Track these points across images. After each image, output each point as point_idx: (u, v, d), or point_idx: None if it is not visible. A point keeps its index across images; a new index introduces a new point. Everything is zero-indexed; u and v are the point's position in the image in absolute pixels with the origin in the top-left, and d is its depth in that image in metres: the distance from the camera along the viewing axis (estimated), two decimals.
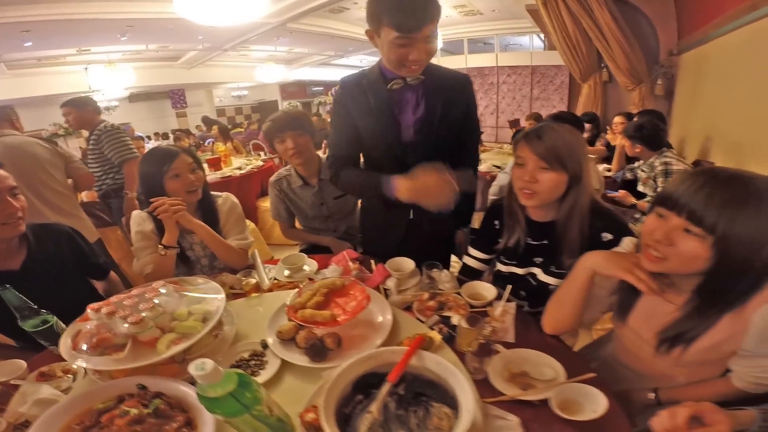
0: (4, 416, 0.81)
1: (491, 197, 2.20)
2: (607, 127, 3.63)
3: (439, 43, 6.63)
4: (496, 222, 1.22)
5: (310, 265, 1.32)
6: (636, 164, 2.46)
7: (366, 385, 0.72)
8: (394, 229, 1.40)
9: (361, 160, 1.39)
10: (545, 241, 1.12)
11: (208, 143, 5.81)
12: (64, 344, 0.86)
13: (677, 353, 0.81)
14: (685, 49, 3.84)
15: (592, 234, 1.03)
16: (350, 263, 1.24)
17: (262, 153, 4.92)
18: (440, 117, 1.25)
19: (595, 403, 0.74)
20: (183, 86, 11.00)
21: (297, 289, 1.03)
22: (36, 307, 0.99)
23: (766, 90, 2.28)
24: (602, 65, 4.74)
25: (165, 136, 9.72)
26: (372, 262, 1.28)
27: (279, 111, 1.67)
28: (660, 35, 4.23)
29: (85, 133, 2.88)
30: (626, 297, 0.90)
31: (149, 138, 9.05)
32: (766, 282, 0.71)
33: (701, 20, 3.36)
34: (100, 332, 0.84)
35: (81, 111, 2.58)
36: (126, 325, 0.82)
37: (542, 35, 7.98)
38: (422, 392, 0.71)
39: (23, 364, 0.98)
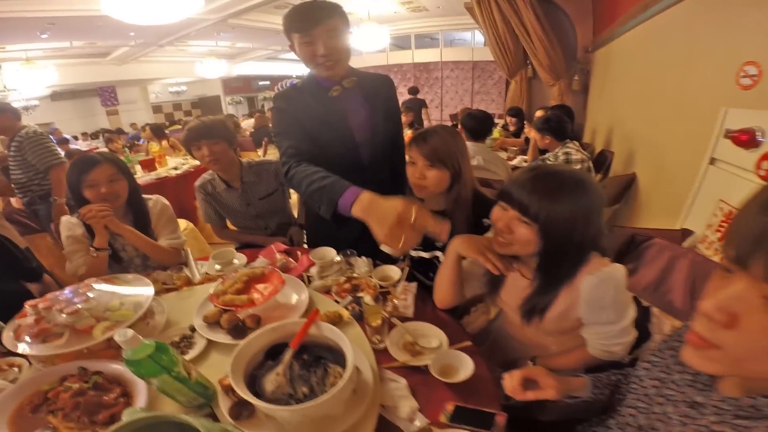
0: None
1: None
2: (525, 122, 3.98)
3: (387, 39, 6.81)
4: None
5: (239, 258, 1.43)
6: (546, 155, 2.78)
7: (275, 353, 0.84)
8: (343, 241, 1.43)
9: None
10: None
11: (143, 142, 5.57)
12: (7, 337, 0.95)
13: (536, 323, 0.97)
14: (598, 46, 4.24)
15: (476, 221, 1.20)
16: (277, 255, 1.36)
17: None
18: (381, 114, 1.42)
19: (466, 368, 0.88)
20: (114, 83, 10.32)
21: (220, 279, 1.15)
22: None
23: (650, 83, 2.65)
24: (528, 62, 5.13)
25: (95, 136, 9.10)
26: (299, 253, 1.41)
27: (195, 119, 1.72)
28: (578, 33, 4.63)
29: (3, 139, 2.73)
30: (494, 275, 1.05)
31: (76, 138, 8.42)
32: (587, 256, 0.89)
33: (610, 18, 3.72)
34: (40, 324, 0.94)
35: (1, 116, 2.45)
36: (63, 316, 0.92)
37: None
38: (321, 356, 0.85)
39: None
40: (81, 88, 9.76)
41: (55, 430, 0.79)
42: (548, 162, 2.68)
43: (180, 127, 8.12)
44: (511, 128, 4.16)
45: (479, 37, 8.56)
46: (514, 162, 3.31)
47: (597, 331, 0.93)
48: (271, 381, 0.78)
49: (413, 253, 1.40)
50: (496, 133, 3.87)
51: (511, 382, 0.76)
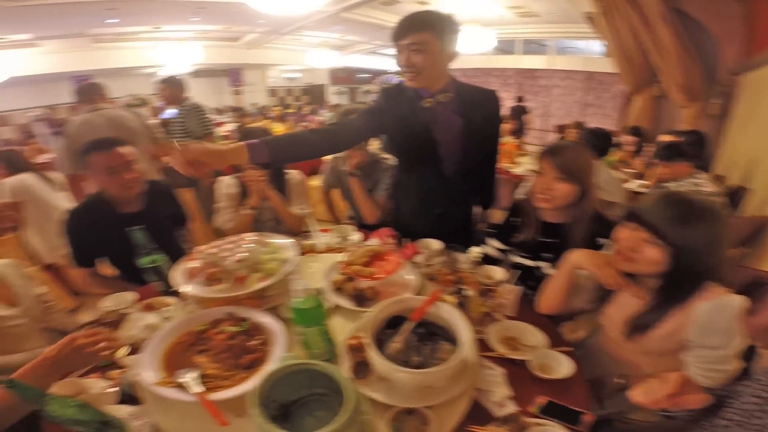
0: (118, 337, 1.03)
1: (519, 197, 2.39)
2: (643, 144, 3.62)
3: (492, 42, 6.69)
4: (516, 219, 1.43)
5: (355, 235, 1.61)
6: (668, 183, 2.54)
7: (395, 323, 0.96)
8: (426, 222, 1.59)
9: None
10: (557, 240, 1.32)
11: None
12: (178, 276, 1.11)
13: (640, 339, 1.00)
14: (749, 69, 3.72)
15: (592, 237, 1.22)
16: (387, 238, 1.50)
17: None
18: (476, 131, 1.45)
19: (564, 368, 0.94)
20: (241, 66, 11.62)
21: (349, 251, 1.31)
22: (152, 247, 1.28)
23: None
24: (656, 79, 4.66)
25: (219, 112, 10.29)
26: (403, 241, 1.54)
27: (345, 108, 1.90)
28: (721, 53, 4.10)
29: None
30: (606, 290, 1.09)
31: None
32: (706, 283, 0.91)
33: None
34: (208, 268, 1.09)
35: (173, 88, 3.03)
36: (229, 263, 1.07)
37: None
38: (435, 332, 0.95)
39: (130, 296, 1.25)
40: (215, 68, 11.18)
41: (201, 369, 0.87)
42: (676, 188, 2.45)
43: (294, 111, 8.90)
44: (629, 149, 3.83)
45: (595, 46, 7.94)
46: (632, 186, 3.07)
47: (700, 355, 0.92)
48: (391, 347, 0.89)
49: (516, 260, 1.43)
50: (615, 156, 3.61)
51: (665, 385, 0.79)
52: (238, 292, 1.05)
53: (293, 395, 0.79)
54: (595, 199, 1.26)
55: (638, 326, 1.00)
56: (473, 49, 6.36)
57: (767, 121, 3.19)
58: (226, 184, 1.67)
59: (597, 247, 1.20)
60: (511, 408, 0.85)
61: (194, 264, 1.14)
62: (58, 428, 0.76)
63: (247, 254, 1.11)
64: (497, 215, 1.62)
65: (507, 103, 8.97)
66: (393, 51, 1.37)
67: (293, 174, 1.78)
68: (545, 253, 1.35)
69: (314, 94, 14.02)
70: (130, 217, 1.51)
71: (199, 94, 11.61)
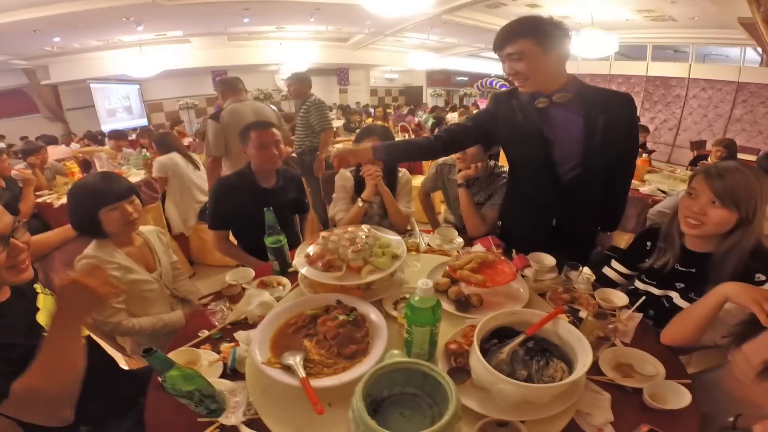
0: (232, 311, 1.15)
1: (650, 219, 2.12)
2: None
3: (614, 47, 6.04)
4: (648, 243, 1.29)
5: (459, 239, 1.59)
6: None
7: (500, 335, 0.93)
8: (538, 234, 1.52)
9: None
10: (693, 269, 1.17)
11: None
12: (300, 258, 1.16)
13: None
14: None
15: (746, 272, 1.06)
16: (494, 247, 1.46)
17: (406, 135, 5.35)
18: (598, 135, 1.33)
19: (680, 399, 0.87)
20: (348, 65, 12.31)
21: (456, 254, 1.32)
22: (278, 228, 1.39)
23: None
24: None
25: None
26: (513, 251, 1.47)
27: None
28: None
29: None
30: (751, 328, 0.94)
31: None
32: None
33: None
34: (326, 254, 1.12)
35: (301, 84, 3.30)
36: (349, 251, 1.10)
37: (759, 48, 6.52)
38: (547, 349, 0.90)
39: (252, 272, 1.34)
40: (326, 67, 12.01)
41: (306, 353, 0.89)
42: None
43: (392, 112, 9.16)
44: None
45: (748, 53, 6.66)
46: None
47: None
48: (497, 357, 0.86)
49: (640, 286, 1.30)
50: None
51: None
52: (352, 282, 1.08)
53: (386, 391, 0.78)
54: (758, 231, 1.07)
55: None
56: (592, 54, 5.82)
57: None
58: (344, 177, 1.79)
59: (755, 284, 1.04)
60: None
61: (314, 248, 1.17)
62: (162, 396, 0.82)
63: (363, 246, 1.14)
64: (623, 237, 1.47)
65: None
66: (493, 54, 1.39)
67: (403, 172, 1.84)
68: (678, 282, 1.20)
69: (410, 95, 14.23)
70: (266, 191, 1.75)
71: (313, 91, 12.77)
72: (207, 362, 0.98)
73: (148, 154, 3.74)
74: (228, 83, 2.96)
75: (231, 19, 7.61)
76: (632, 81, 8.29)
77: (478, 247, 1.47)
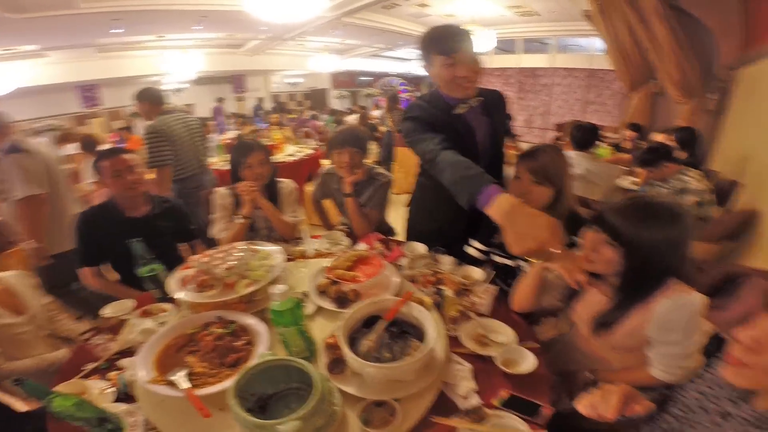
0: (116, 341, 1.15)
1: None
2: (640, 141, 3.65)
3: (492, 43, 6.73)
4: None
5: (345, 241, 1.68)
6: (658, 182, 2.57)
7: (370, 323, 1.03)
8: (456, 225, 1.56)
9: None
10: None
11: (265, 127, 6.32)
12: (173, 284, 1.20)
13: (605, 337, 1.05)
14: (746, 63, 3.70)
15: (568, 237, 1.24)
16: (375, 243, 1.57)
17: (310, 140, 5.35)
18: (498, 127, 1.55)
19: (528, 364, 0.99)
20: (244, 72, 11.78)
21: (335, 257, 1.38)
22: (150, 257, 1.37)
23: None
24: (653, 76, 4.65)
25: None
26: (392, 244, 1.60)
27: (346, 126, 1.96)
28: (720, 48, 4.08)
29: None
30: (573, 288, 1.14)
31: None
32: (666, 282, 0.95)
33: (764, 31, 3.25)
34: (200, 275, 1.19)
35: (152, 103, 2.70)
36: (220, 271, 1.16)
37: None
38: (406, 331, 1.02)
39: (131, 303, 1.34)
40: (219, 75, 11.35)
41: (190, 368, 0.95)
42: (661, 189, 2.48)
43: (294, 116, 9.00)
44: (627, 145, 3.85)
45: (597, 43, 7.88)
46: (624, 183, 3.10)
47: (662, 352, 0.98)
48: (364, 345, 0.96)
49: (498, 260, 1.49)
50: (605, 151, 3.64)
51: (608, 403, 0.76)
52: (227, 297, 1.14)
53: (271, 389, 0.88)
54: (570, 200, 1.31)
55: (603, 323, 1.05)
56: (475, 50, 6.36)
57: (760, 116, 3.20)
58: (221, 195, 1.75)
59: (572, 245, 1.23)
60: (475, 401, 0.92)
61: (188, 272, 1.23)
62: (64, 428, 0.84)
63: (236, 262, 1.21)
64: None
65: (509, 102, 9.00)
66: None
67: (285, 183, 1.85)
68: None
69: (316, 99, 14.14)
70: (134, 221, 1.66)
71: (203, 101, 11.90)
72: (97, 390, 0.99)
73: None
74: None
75: (99, 31, 6.79)
76: (507, 73, 9.28)
77: (361, 246, 1.58)
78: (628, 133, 3.83)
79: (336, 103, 14.14)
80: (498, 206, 0.97)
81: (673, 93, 4.34)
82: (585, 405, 0.78)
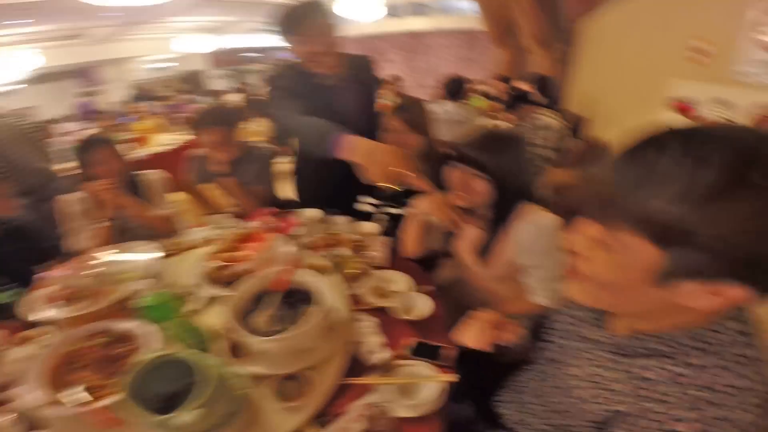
0: None
1: None
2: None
3: (381, 10, 6.66)
4: None
5: (232, 223, 1.57)
6: (519, 124, 2.90)
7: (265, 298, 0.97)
8: (337, 191, 1.56)
9: None
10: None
11: (132, 120, 5.51)
12: (35, 305, 1.07)
13: (486, 268, 1.11)
14: (585, 16, 4.25)
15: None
16: (268, 218, 1.50)
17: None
18: (367, 94, 1.54)
19: (425, 308, 1.04)
20: (94, 64, 10.05)
21: (220, 240, 1.29)
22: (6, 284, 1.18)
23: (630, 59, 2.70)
24: (515, 30, 5.10)
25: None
26: (286, 215, 1.54)
27: (209, 105, 1.79)
28: (567, 4, 4.61)
29: None
30: (453, 229, 1.19)
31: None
32: (523, 205, 1.03)
33: None
34: (65, 289, 1.07)
35: None
36: (85, 281, 1.05)
37: None
38: (303, 299, 0.97)
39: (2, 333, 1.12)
40: (65, 70, 9.49)
41: (85, 383, 0.89)
42: (525, 127, 2.79)
43: (168, 103, 8.02)
44: (500, 95, 4.24)
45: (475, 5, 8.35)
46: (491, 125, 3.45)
47: (534, 275, 1.04)
48: (259, 322, 0.92)
49: (389, 211, 1.52)
50: (480, 101, 3.97)
51: (473, 331, 0.82)
52: (97, 307, 1.03)
53: (172, 387, 0.78)
54: (438, 144, 1.39)
55: (480, 255, 1.11)
56: (363, 17, 6.27)
57: (602, 65, 3.78)
58: (67, 202, 1.50)
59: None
60: (385, 354, 0.92)
61: (50, 289, 1.09)
62: None
63: (102, 269, 1.10)
64: None
65: (398, 66, 9.20)
66: (291, 47, 1.35)
67: (149, 174, 1.66)
68: (407, 199, 1.40)
69: (195, 82, 12.74)
70: None
71: (47, 101, 9.90)
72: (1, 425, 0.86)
73: None
74: None
75: None
76: (395, 37, 9.44)
77: (253, 224, 1.49)
78: (499, 85, 4.20)
79: (220, 84, 12.92)
80: (350, 147, 1.12)
81: (530, 45, 4.83)
82: (458, 335, 0.83)
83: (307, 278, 0.99)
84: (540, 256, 1.01)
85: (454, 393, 0.86)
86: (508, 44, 5.20)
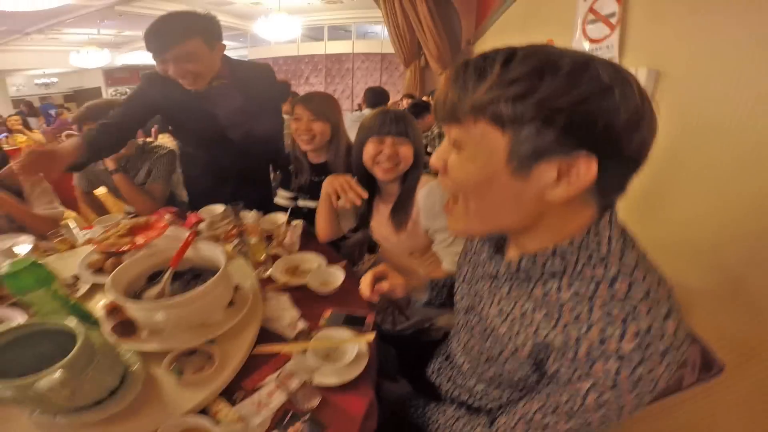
0: None
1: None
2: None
3: (298, 30, 6.76)
4: (291, 167, 1.57)
5: (120, 219, 1.45)
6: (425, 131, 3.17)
7: (156, 277, 0.93)
8: (222, 188, 1.58)
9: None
10: (324, 177, 1.45)
11: (3, 137, 4.83)
12: None
13: (399, 244, 1.18)
14: (477, 38, 4.77)
15: (350, 168, 1.37)
16: (166, 216, 1.43)
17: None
18: (257, 104, 1.50)
19: (338, 279, 1.07)
20: None
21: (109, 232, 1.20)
22: None
23: None
24: (421, 53, 5.56)
25: None
26: (186, 213, 1.49)
27: (93, 102, 1.66)
28: (463, 26, 5.13)
29: None
30: (366, 207, 1.27)
31: None
32: (421, 173, 1.13)
33: (485, 12, 4.19)
34: None
35: None
36: None
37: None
38: (200, 275, 0.96)
39: None
40: None
41: None
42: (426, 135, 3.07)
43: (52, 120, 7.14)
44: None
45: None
46: None
47: (438, 240, 1.11)
48: (148, 296, 0.87)
49: (302, 203, 1.56)
50: None
51: (363, 282, 0.87)
52: None
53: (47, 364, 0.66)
54: (345, 136, 1.47)
55: (394, 226, 1.16)
56: (280, 37, 6.26)
57: None
58: None
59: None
60: (301, 326, 0.94)
61: None
62: None
63: None
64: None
65: (318, 88, 9.33)
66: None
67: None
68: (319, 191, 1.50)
69: (84, 100, 11.40)
70: None
71: None
72: None
73: None
74: None
75: None
76: (316, 59, 9.60)
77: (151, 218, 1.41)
78: (405, 101, 4.54)
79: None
80: None
81: (433, 66, 5.31)
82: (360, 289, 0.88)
83: (206, 251, 0.96)
84: (440, 219, 1.08)
85: (389, 373, 0.89)
86: (413, 64, 5.64)
